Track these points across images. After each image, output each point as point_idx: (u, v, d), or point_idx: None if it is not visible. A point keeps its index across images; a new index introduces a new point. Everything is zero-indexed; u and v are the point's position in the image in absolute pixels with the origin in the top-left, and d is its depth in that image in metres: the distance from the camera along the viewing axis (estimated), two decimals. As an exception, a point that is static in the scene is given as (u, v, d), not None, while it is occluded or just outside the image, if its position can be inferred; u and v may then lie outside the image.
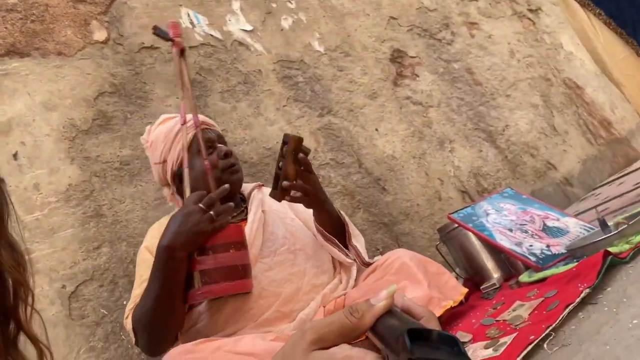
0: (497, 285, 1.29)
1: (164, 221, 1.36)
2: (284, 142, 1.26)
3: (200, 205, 1.13)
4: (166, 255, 1.09)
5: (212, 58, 2.03)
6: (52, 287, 1.39)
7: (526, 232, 1.25)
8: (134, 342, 1.19)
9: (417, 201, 2.17)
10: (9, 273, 0.62)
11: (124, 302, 1.46)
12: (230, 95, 1.99)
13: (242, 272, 1.15)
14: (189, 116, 1.35)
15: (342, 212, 1.41)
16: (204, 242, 1.11)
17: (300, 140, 1.26)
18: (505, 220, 1.29)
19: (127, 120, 1.71)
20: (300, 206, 1.38)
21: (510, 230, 1.25)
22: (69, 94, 1.66)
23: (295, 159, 1.25)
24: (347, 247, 1.36)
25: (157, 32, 1.29)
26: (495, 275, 1.34)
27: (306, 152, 1.27)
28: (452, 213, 1.36)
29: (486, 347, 0.82)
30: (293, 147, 1.25)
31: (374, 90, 2.39)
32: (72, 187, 1.53)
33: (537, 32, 3.18)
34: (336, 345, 0.38)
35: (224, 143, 1.41)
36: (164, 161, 1.38)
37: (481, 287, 1.32)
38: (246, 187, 1.47)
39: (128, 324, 1.20)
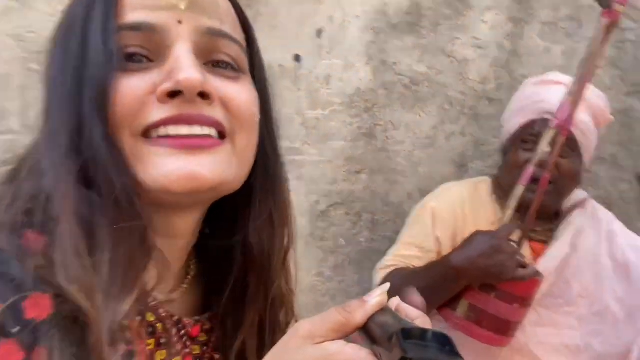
0: None
1: (464, 190, 1.18)
2: None
3: (514, 245, 0.97)
4: (449, 274, 0.99)
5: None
6: (307, 198, 1.29)
7: None
8: None
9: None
10: (283, 301, 0.55)
11: (361, 239, 1.36)
12: (551, 30, 1.54)
13: (511, 329, 1.02)
14: (543, 100, 1.06)
15: None
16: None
17: None
18: None
19: (437, 27, 1.37)
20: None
21: None
22: (394, -32, 1.31)
23: None
24: None
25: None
26: None
27: None
28: None
29: None
30: None
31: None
32: (359, 92, 1.31)
33: None
34: (329, 341, 0.37)
35: (570, 148, 1.08)
36: (502, 126, 1.19)
37: None
38: (568, 198, 1.18)
39: (378, 276, 1.12)
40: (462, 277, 0.97)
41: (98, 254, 0.37)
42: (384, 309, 0.39)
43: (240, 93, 0.44)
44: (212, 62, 0.43)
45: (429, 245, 1.12)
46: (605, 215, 1.19)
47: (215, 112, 0.42)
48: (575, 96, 0.97)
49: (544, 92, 1.08)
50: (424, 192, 1.36)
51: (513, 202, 1.00)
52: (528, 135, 1.08)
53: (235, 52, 0.44)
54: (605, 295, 1.09)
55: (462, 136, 1.42)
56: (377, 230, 1.37)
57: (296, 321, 0.58)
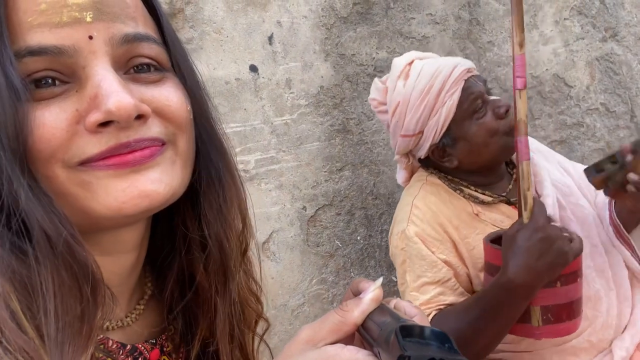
0: None
1: (429, 197, 1.03)
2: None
3: (557, 224, 0.86)
4: (516, 294, 0.83)
5: None
6: (293, 206, 1.25)
7: None
8: None
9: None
10: (247, 305, 0.51)
11: (358, 237, 1.31)
12: (507, -7, 1.52)
13: (581, 305, 0.89)
14: (457, 64, 1.01)
15: None
16: None
17: None
18: None
19: (389, 11, 1.36)
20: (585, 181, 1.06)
21: None
22: (332, -36, 1.31)
23: None
24: None
25: None
26: None
27: None
28: None
29: None
30: None
31: (676, 13, 1.76)
32: (323, 90, 1.29)
33: None
34: (329, 343, 0.37)
35: (488, 90, 1.04)
36: (419, 132, 1.01)
37: None
38: None
39: None
40: (531, 289, 0.83)
41: (42, 316, 0.32)
42: (382, 308, 0.38)
43: (170, 97, 0.40)
44: (133, 68, 0.39)
45: (443, 274, 0.96)
46: (544, 146, 1.18)
47: (153, 129, 0.39)
48: (523, 47, 0.93)
49: (441, 64, 1.00)
50: (412, 177, 1.32)
51: (527, 182, 0.87)
52: (471, 103, 0.98)
53: (155, 51, 0.40)
54: (592, 226, 1.04)
55: (439, 114, 1.38)
56: (373, 225, 1.32)
57: (263, 318, 0.55)
